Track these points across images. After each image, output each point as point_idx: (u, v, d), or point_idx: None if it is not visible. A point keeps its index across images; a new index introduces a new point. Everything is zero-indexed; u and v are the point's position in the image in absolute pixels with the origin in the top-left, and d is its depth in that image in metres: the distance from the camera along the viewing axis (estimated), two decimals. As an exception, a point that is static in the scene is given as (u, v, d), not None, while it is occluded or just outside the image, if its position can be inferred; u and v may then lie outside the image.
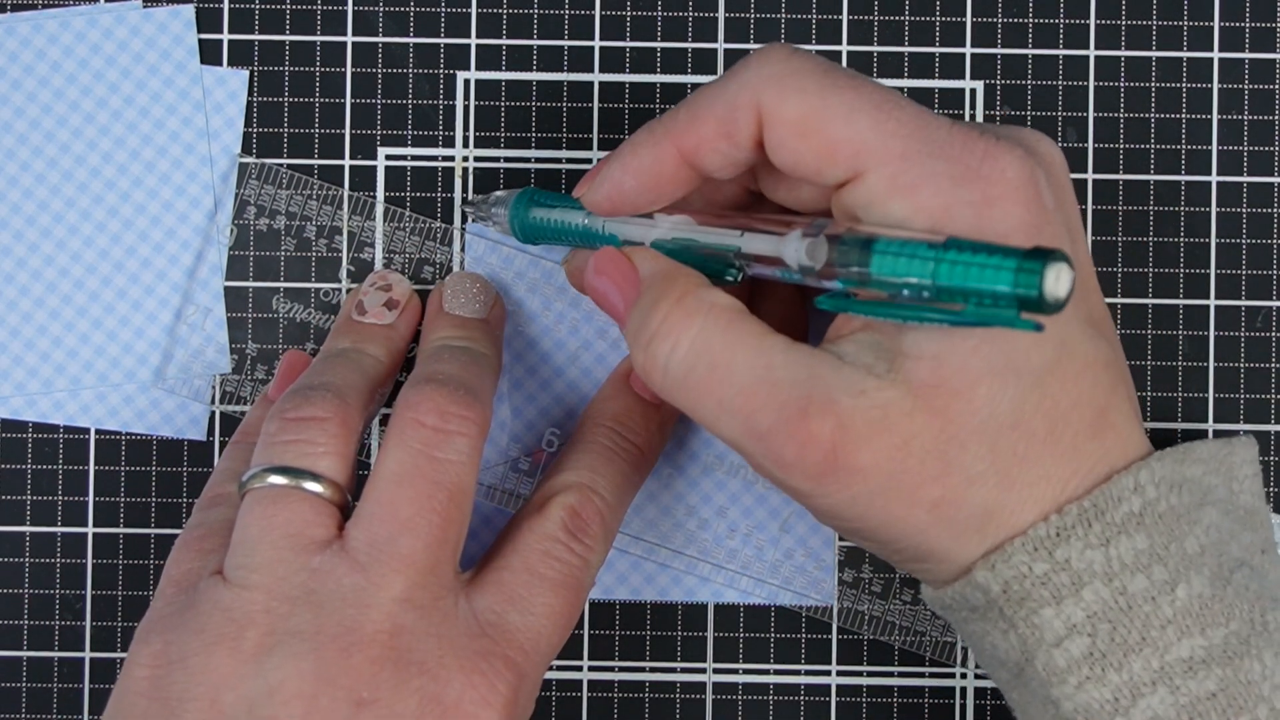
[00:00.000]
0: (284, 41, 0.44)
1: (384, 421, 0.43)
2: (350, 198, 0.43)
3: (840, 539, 0.43)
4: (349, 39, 0.44)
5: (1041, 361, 0.32)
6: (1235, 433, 0.43)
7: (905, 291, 0.30)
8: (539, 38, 0.44)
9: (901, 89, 0.43)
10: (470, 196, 0.43)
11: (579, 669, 0.43)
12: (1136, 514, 0.32)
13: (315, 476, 0.36)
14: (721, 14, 0.43)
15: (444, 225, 0.43)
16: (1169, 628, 0.32)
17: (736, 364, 0.33)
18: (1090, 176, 0.43)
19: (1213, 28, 0.44)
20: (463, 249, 0.43)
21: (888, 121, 0.32)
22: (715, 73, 0.44)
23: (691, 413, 0.34)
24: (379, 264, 0.43)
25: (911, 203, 0.32)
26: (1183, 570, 0.32)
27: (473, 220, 0.42)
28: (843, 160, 0.32)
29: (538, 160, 0.43)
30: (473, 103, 0.44)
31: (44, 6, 0.43)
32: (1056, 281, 0.28)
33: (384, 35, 0.44)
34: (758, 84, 0.33)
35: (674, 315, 0.34)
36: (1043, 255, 0.28)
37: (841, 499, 0.32)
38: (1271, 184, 0.43)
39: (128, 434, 0.43)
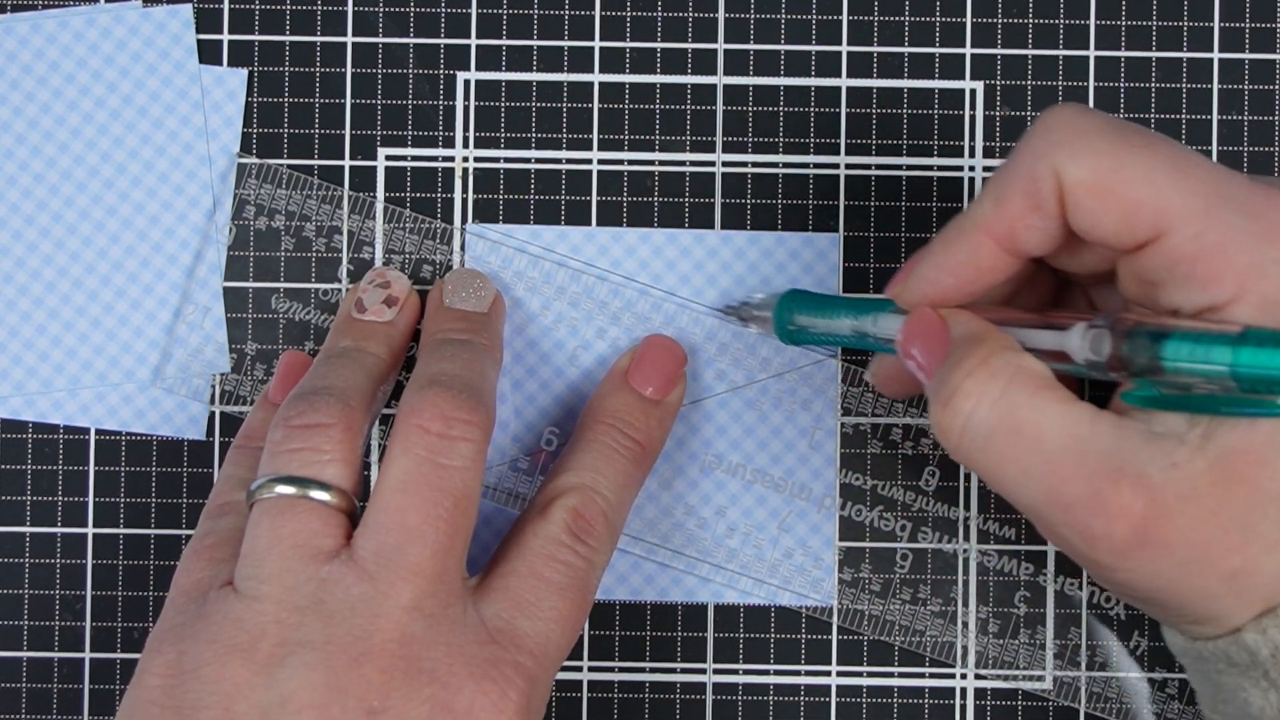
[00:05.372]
0: (284, 41, 0.43)
1: (385, 421, 0.43)
2: (350, 197, 0.43)
3: (840, 539, 0.43)
4: (349, 39, 0.43)
5: None
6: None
7: (1212, 385, 0.30)
8: (539, 38, 0.44)
9: (901, 89, 0.43)
10: (732, 302, 0.43)
11: (579, 669, 0.43)
12: None
13: (322, 485, 0.36)
14: (721, 14, 0.43)
15: (444, 225, 0.43)
16: None
17: (1043, 430, 0.32)
18: (1090, 177, 0.43)
19: (1213, 28, 0.44)
20: (462, 248, 0.43)
21: (1188, 180, 0.31)
22: (715, 72, 0.44)
23: (988, 476, 0.33)
24: (379, 263, 0.43)
25: (1217, 263, 0.31)
26: None
27: (739, 321, 0.42)
28: (1144, 221, 0.32)
29: (538, 160, 0.43)
30: (473, 103, 0.44)
31: (44, 7, 0.43)
32: None
33: (384, 35, 0.43)
34: (1050, 149, 0.32)
35: (979, 374, 0.33)
36: None
37: (1144, 573, 0.32)
38: (1271, 184, 0.43)
39: (127, 434, 0.43)
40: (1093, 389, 0.41)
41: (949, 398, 0.33)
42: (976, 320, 0.35)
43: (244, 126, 0.43)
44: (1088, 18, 0.44)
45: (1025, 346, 0.34)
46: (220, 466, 0.43)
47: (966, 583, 0.43)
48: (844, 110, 0.43)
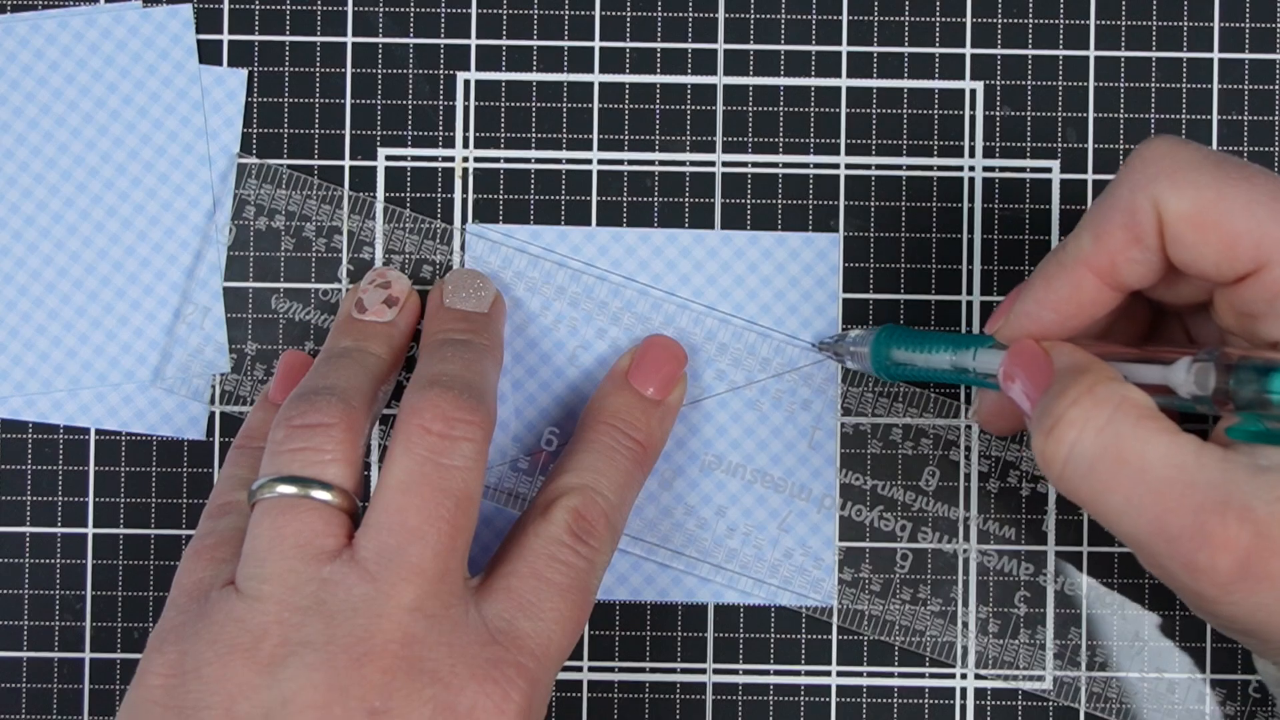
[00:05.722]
0: (284, 41, 0.43)
1: (385, 421, 0.43)
2: (350, 197, 0.43)
3: (840, 539, 0.43)
4: (349, 39, 0.43)
5: None
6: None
7: None
8: (539, 38, 0.44)
9: (901, 89, 0.43)
10: (826, 338, 0.43)
11: (579, 669, 0.43)
12: None
13: (324, 485, 0.36)
14: (721, 14, 0.43)
15: (444, 225, 0.43)
16: None
17: (1148, 460, 0.32)
18: (1090, 177, 0.43)
19: (1213, 28, 0.44)
20: (462, 248, 0.43)
21: None
22: (715, 73, 0.43)
23: (1091, 505, 0.33)
24: (379, 263, 0.43)
25: None
26: None
27: (834, 356, 0.42)
28: (1244, 253, 0.32)
29: (538, 161, 0.43)
30: (473, 103, 0.44)
31: (44, 7, 0.43)
32: None
33: (384, 35, 0.43)
34: (1149, 182, 0.33)
35: (1084, 403, 0.33)
36: None
37: (1248, 606, 0.32)
38: (1271, 184, 0.43)
39: (127, 434, 0.43)
40: (1186, 422, 0.41)
41: (1052, 427, 0.33)
42: (1080, 352, 0.35)
43: (244, 126, 0.43)
44: (1088, 18, 0.44)
45: (1127, 380, 0.34)
46: (220, 466, 0.43)
47: (966, 583, 0.43)
48: (844, 110, 0.43)
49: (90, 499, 0.43)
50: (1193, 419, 0.40)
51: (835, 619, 0.43)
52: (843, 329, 0.43)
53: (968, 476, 0.43)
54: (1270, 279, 0.32)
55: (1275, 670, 0.35)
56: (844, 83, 0.44)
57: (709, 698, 0.43)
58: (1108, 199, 0.34)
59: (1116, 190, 0.33)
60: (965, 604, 0.43)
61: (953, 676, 0.43)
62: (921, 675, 0.43)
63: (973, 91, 0.43)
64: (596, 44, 0.44)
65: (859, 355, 0.41)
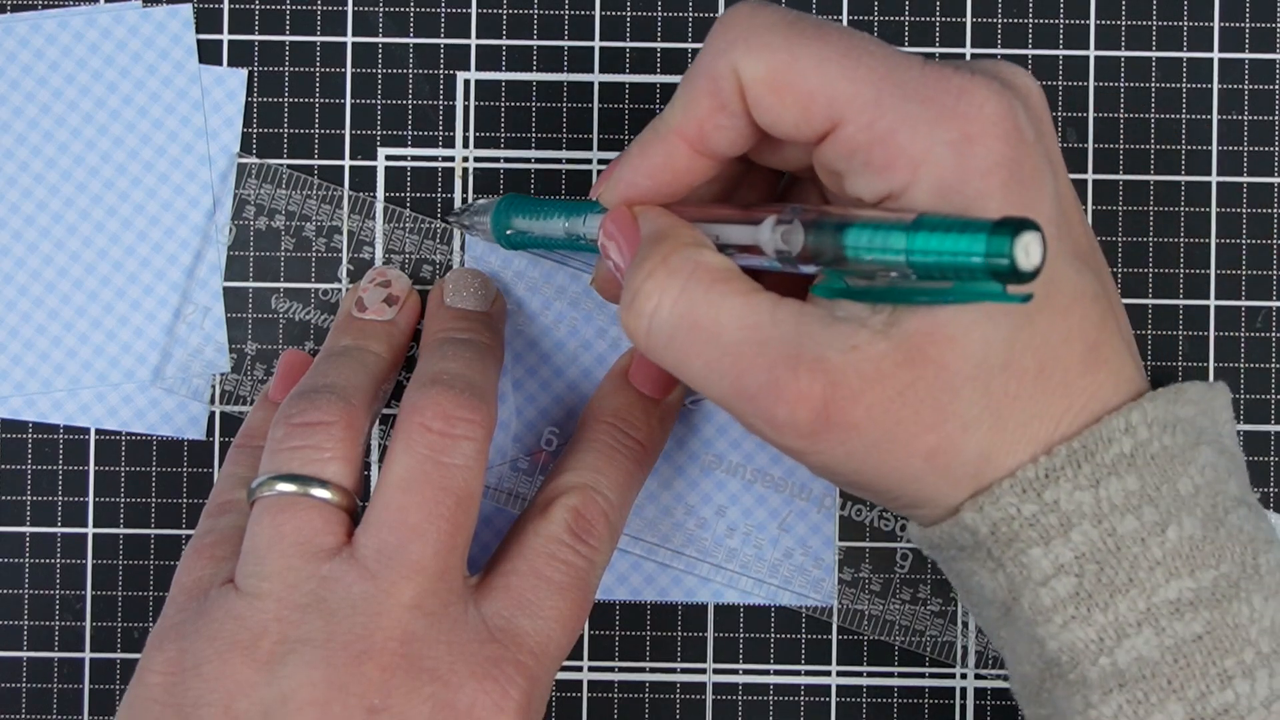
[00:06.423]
0: (284, 41, 0.43)
1: (385, 420, 0.43)
2: (350, 197, 0.43)
3: (840, 539, 0.43)
4: (349, 39, 0.43)
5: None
6: (1237, 432, 0.43)
7: (893, 273, 0.30)
8: (539, 38, 0.44)
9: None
10: (455, 208, 0.43)
11: (579, 669, 0.43)
12: (1127, 455, 0.32)
13: (323, 483, 0.36)
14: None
15: (444, 225, 0.43)
16: (1157, 569, 0.32)
17: (722, 323, 0.32)
18: (1090, 177, 0.43)
19: (1213, 28, 0.44)
20: (462, 248, 0.43)
21: (858, 68, 0.32)
22: (715, 72, 0.44)
23: (678, 373, 0.33)
24: (379, 263, 0.43)
25: (890, 150, 0.31)
26: (1174, 511, 0.32)
27: (459, 230, 0.42)
28: (818, 112, 0.32)
29: (538, 161, 0.43)
30: (473, 103, 0.44)
31: (44, 7, 0.43)
32: (1027, 255, 0.28)
33: (384, 35, 0.43)
34: (728, 47, 0.33)
35: (658, 274, 0.33)
36: (1010, 227, 0.28)
37: (836, 455, 0.32)
38: (1271, 184, 0.43)
39: (127, 434, 0.43)
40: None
41: (631, 300, 0.33)
42: (665, 217, 0.35)
43: (244, 126, 0.43)
44: (1088, 18, 0.44)
45: (724, 243, 0.34)
46: (220, 466, 0.43)
47: (967, 582, 0.43)
48: (844, 110, 0.43)
49: (90, 499, 0.43)
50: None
51: (835, 619, 0.43)
52: (470, 199, 0.43)
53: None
54: (844, 136, 0.32)
55: (916, 530, 0.35)
56: (844, 82, 0.44)
57: (709, 698, 0.43)
58: (694, 68, 0.34)
59: (701, 59, 0.33)
60: (965, 604, 0.43)
61: (953, 676, 0.43)
62: (921, 675, 0.43)
63: (973, 91, 0.43)
64: (596, 44, 0.44)
65: (483, 226, 0.41)
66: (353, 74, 0.43)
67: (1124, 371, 0.33)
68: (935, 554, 0.35)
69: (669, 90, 0.43)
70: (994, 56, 0.43)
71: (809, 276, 0.33)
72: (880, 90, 0.31)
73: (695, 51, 0.43)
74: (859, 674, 0.43)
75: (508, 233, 0.40)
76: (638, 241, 0.34)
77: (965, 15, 0.44)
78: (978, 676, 0.43)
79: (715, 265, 0.33)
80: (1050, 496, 0.32)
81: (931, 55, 0.43)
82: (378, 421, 0.43)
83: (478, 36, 0.44)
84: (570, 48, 0.44)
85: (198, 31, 0.43)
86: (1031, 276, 0.28)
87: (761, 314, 0.32)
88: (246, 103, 0.43)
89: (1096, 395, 0.33)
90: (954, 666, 0.43)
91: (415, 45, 0.43)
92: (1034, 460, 0.32)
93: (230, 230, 0.43)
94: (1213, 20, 0.44)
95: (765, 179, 0.38)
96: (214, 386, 0.43)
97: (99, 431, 0.43)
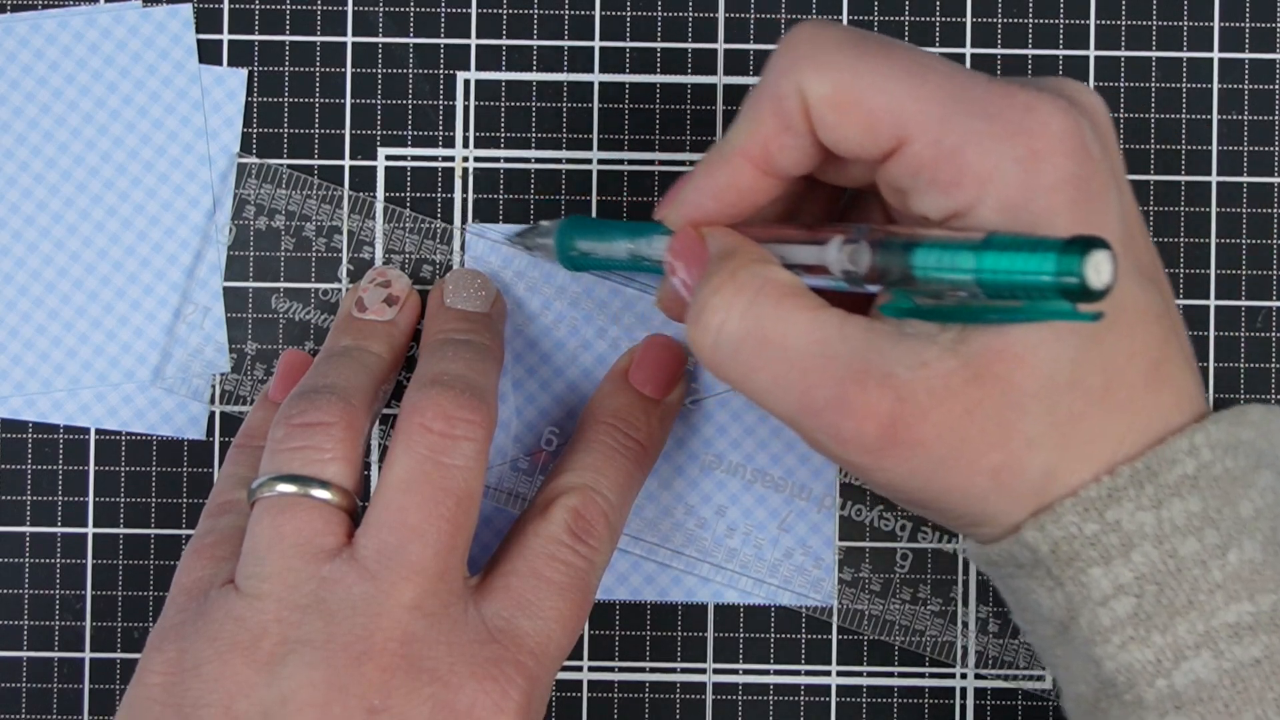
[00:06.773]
0: (284, 41, 0.43)
1: (385, 421, 0.43)
2: (350, 197, 0.43)
3: (840, 539, 0.43)
4: (349, 39, 0.43)
5: None
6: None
7: (961, 292, 0.30)
8: (539, 38, 0.44)
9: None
10: (520, 229, 0.43)
11: (579, 669, 0.43)
12: (1191, 476, 0.32)
13: (323, 484, 0.36)
14: (721, 14, 0.43)
15: (444, 224, 0.43)
16: (1217, 592, 0.31)
17: (790, 339, 0.32)
18: (1090, 177, 0.43)
19: (1213, 28, 0.44)
20: (463, 248, 0.43)
21: (923, 85, 0.31)
22: (715, 73, 0.44)
23: (742, 388, 0.33)
24: (379, 263, 0.43)
25: (956, 168, 0.31)
26: (1235, 534, 0.32)
27: (525, 249, 0.42)
28: (884, 130, 0.32)
29: (538, 160, 0.43)
30: (473, 103, 0.44)
31: (44, 7, 0.43)
32: (1097, 273, 0.28)
33: (384, 35, 0.43)
34: (792, 67, 0.32)
35: (726, 289, 0.33)
36: (1080, 245, 0.28)
37: (900, 472, 0.32)
38: (1271, 184, 0.43)
39: (127, 434, 0.43)
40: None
41: (699, 314, 0.33)
42: (732, 236, 0.35)
43: (244, 126, 0.43)
44: (1088, 18, 0.44)
45: (790, 262, 0.34)
46: (220, 466, 0.43)
47: (966, 583, 0.43)
48: (844, 110, 0.43)
49: (90, 499, 0.43)
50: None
51: (835, 619, 0.43)
52: (535, 222, 0.43)
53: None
54: (911, 153, 0.31)
55: (974, 546, 0.34)
56: (844, 82, 0.43)
57: (709, 697, 0.43)
58: (759, 88, 0.33)
59: (765, 78, 0.33)
60: (965, 604, 0.43)
61: (953, 676, 0.43)
62: (921, 675, 0.43)
63: (973, 91, 0.43)
64: (596, 44, 0.44)
65: (546, 247, 0.41)
66: (353, 74, 0.43)
67: (1186, 390, 0.33)
68: (992, 570, 0.35)
69: (669, 90, 0.43)
70: (994, 57, 0.43)
71: (871, 295, 0.33)
72: (946, 107, 0.31)
73: (695, 52, 0.43)
74: (859, 674, 0.43)
75: (571, 254, 0.40)
76: (706, 260, 0.34)
77: (965, 15, 0.44)
78: (978, 676, 0.43)
79: (783, 281, 0.33)
80: (1112, 516, 0.32)
81: (931, 55, 0.43)
82: (378, 422, 0.43)
83: (478, 36, 0.44)
84: (570, 48, 0.44)
85: (198, 31, 0.43)
86: (1102, 295, 0.28)
87: (830, 329, 0.32)
88: (246, 103, 0.43)
89: (1160, 414, 0.32)
90: (954, 666, 0.43)
91: (415, 45, 0.43)
92: (1097, 480, 0.32)
93: (230, 230, 0.43)
94: (1213, 20, 0.44)
95: (828, 195, 0.38)
96: (214, 386, 0.43)
97: (99, 431, 0.43)
